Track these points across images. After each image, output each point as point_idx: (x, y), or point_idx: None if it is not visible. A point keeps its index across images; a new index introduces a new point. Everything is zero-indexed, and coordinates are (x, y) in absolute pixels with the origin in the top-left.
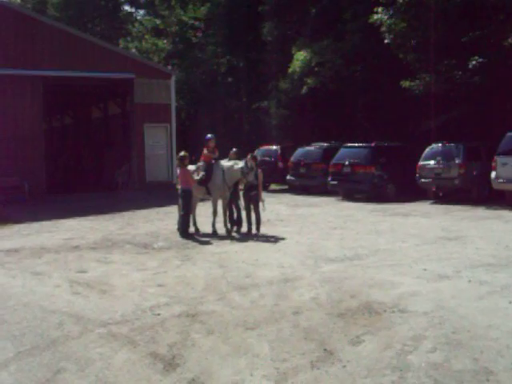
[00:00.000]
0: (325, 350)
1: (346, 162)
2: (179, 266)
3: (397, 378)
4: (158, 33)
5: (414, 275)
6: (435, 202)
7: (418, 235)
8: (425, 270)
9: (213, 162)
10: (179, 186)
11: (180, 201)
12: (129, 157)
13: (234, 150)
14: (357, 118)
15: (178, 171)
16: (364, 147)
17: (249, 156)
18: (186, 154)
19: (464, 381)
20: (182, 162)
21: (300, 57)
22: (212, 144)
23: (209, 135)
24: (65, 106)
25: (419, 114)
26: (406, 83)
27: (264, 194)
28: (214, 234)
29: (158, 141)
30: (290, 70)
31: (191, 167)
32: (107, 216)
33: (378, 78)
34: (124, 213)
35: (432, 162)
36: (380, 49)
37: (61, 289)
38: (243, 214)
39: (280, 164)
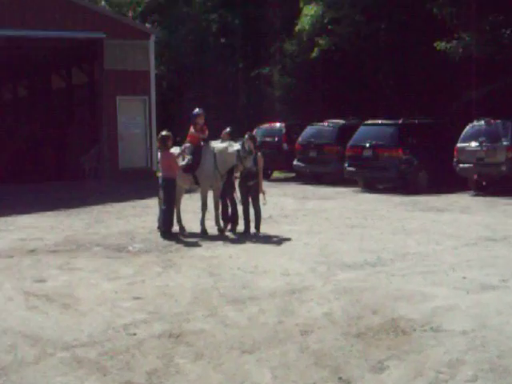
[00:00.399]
0: (340, 378)
1: (367, 144)
2: (160, 273)
3: None
4: None
5: (451, 285)
6: (477, 194)
7: (455, 235)
8: (464, 278)
9: (202, 143)
10: (160, 174)
11: (161, 192)
12: (98, 137)
13: (228, 129)
14: (380, 88)
15: (159, 155)
16: (389, 125)
17: (246, 136)
18: (169, 133)
19: None
20: (164, 144)
21: (310, 11)
22: (201, 121)
23: (197, 110)
24: (16, 75)
25: (457, 83)
26: (440, 45)
27: (265, 184)
28: (204, 234)
29: (133, 117)
30: (297, 29)
31: (175, 150)
32: (71, 211)
33: (407, 38)
34: (92, 207)
35: (473, 144)
36: (409, 1)
37: (14, 303)
38: (239, 208)
39: (285, 146)
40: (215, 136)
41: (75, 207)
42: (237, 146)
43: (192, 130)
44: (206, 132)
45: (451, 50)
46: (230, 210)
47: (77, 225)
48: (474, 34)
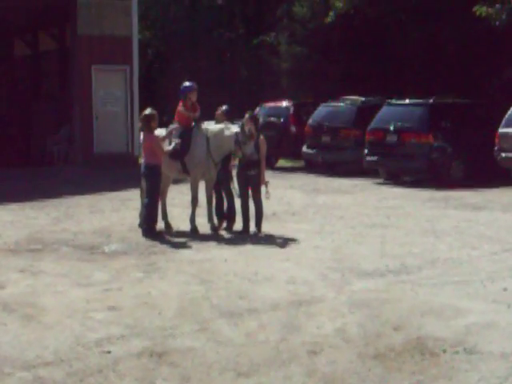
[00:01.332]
0: None
1: (391, 128)
2: (141, 279)
3: None
4: None
5: (489, 298)
6: None
7: (495, 238)
8: (505, 290)
9: (192, 124)
10: (142, 161)
11: (143, 183)
12: (69, 116)
13: (224, 107)
14: (408, 60)
15: (142, 138)
16: (418, 105)
17: (246, 116)
18: (154, 112)
19: None
20: (148, 125)
21: None
22: (193, 97)
23: (187, 83)
24: None
25: (500, 56)
26: (481, 9)
27: (268, 174)
28: (194, 233)
29: (112, 92)
30: None
31: (160, 132)
32: (36, 204)
33: (440, 0)
34: (61, 199)
35: None
36: None
37: None
38: (237, 203)
39: (293, 129)
40: (209, 116)
41: (41, 199)
42: (235, 129)
43: (181, 107)
44: (198, 110)
45: (493, 15)
46: (225, 204)
47: (42, 220)
48: None
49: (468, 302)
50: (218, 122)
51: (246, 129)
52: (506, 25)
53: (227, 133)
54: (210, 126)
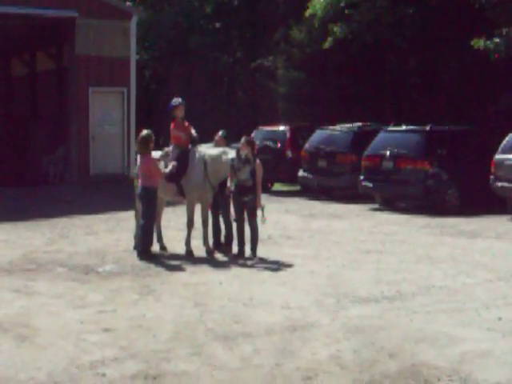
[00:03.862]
0: None
1: (388, 154)
2: (136, 302)
3: None
4: None
5: (484, 326)
6: None
7: (490, 266)
8: (500, 319)
9: (190, 147)
10: (139, 182)
11: (139, 204)
12: (65, 136)
13: (222, 132)
14: (405, 87)
15: (138, 160)
16: (414, 132)
17: (243, 140)
18: (151, 134)
19: None
20: (145, 147)
21: None
22: (179, 113)
23: (175, 100)
24: None
25: (496, 83)
26: (479, 42)
27: (264, 198)
28: (189, 256)
29: (109, 113)
30: (307, 13)
31: (157, 154)
32: (31, 224)
33: (438, 28)
34: (56, 219)
35: None
36: None
37: None
38: (233, 227)
39: (289, 153)
40: (204, 139)
41: (36, 219)
42: (232, 154)
43: (172, 128)
44: (190, 129)
45: (491, 47)
46: (222, 228)
47: (37, 240)
48: None
49: (463, 330)
50: (217, 145)
51: (242, 154)
52: (503, 57)
53: (225, 159)
54: (209, 150)
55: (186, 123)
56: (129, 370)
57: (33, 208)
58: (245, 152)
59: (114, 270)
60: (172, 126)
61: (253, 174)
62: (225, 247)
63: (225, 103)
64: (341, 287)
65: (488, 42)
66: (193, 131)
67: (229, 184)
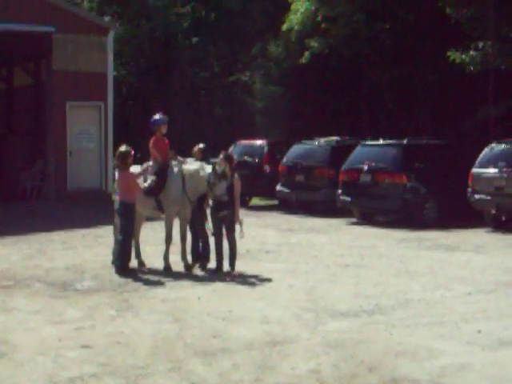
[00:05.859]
0: None
1: (365, 168)
2: (114, 317)
3: None
4: None
5: (463, 340)
6: (495, 231)
7: (469, 279)
8: (479, 331)
9: (171, 161)
10: (117, 198)
11: (117, 220)
12: (42, 151)
13: (201, 145)
14: (382, 101)
15: (117, 175)
16: (391, 146)
17: (221, 156)
18: (129, 149)
19: None
20: (123, 162)
21: (300, 8)
22: (164, 130)
23: (157, 116)
24: None
25: (472, 98)
26: (454, 55)
27: (242, 213)
28: (167, 271)
29: (86, 128)
30: (284, 28)
31: (135, 169)
32: (8, 239)
33: (414, 42)
34: (34, 235)
35: (492, 170)
36: None
37: None
38: (211, 242)
39: (267, 168)
40: (182, 154)
41: (13, 234)
42: (209, 169)
43: (151, 145)
44: (169, 151)
45: (467, 61)
46: (200, 243)
47: (14, 256)
48: (495, 44)
49: (442, 343)
50: (196, 159)
51: (218, 169)
52: (479, 70)
53: (202, 174)
54: (186, 166)
55: (167, 141)
56: None
57: (10, 223)
58: (221, 167)
59: (92, 286)
60: (151, 143)
61: (230, 188)
62: (202, 261)
63: (202, 118)
64: (320, 301)
65: (464, 56)
66: (171, 153)
67: (208, 199)
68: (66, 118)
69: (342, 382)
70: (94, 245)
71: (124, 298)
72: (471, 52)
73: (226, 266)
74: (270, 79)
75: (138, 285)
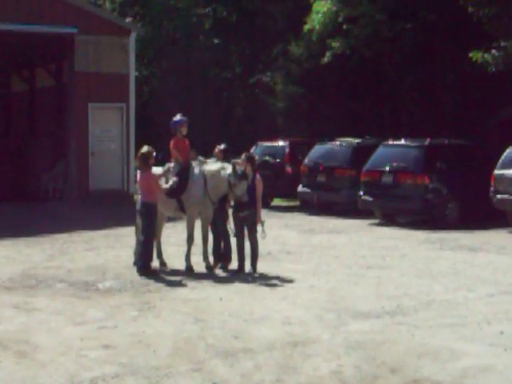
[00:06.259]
0: None
1: (387, 168)
2: (136, 318)
3: None
4: None
5: (486, 341)
6: None
7: (491, 280)
8: (501, 333)
9: (192, 162)
10: (139, 198)
11: (139, 220)
12: (64, 152)
13: (223, 146)
14: (403, 101)
15: (138, 176)
16: (413, 146)
17: (243, 156)
18: (151, 150)
19: None
20: (145, 163)
21: (321, 8)
22: (184, 130)
23: (177, 117)
24: None
25: (495, 97)
26: (477, 55)
27: (264, 214)
28: (189, 272)
29: (108, 129)
30: (305, 28)
31: (157, 170)
32: (30, 240)
33: (436, 42)
34: (56, 236)
35: None
36: None
37: None
38: (233, 242)
39: (288, 168)
40: (203, 154)
41: (35, 235)
42: (230, 170)
43: (172, 146)
44: (190, 151)
45: (489, 61)
46: (222, 243)
47: (37, 256)
48: None
49: (464, 344)
50: (217, 159)
51: (238, 169)
52: (501, 70)
53: (223, 174)
54: (208, 166)
55: (187, 142)
56: None
57: (32, 224)
58: (241, 167)
59: (113, 286)
60: (172, 144)
61: (251, 189)
62: (223, 262)
63: (224, 119)
64: (341, 302)
65: (486, 55)
66: (192, 153)
67: (230, 199)
68: (87, 119)
69: (364, 383)
70: (116, 245)
71: (146, 298)
72: (493, 51)
73: (247, 267)
74: (292, 80)
75: (160, 285)
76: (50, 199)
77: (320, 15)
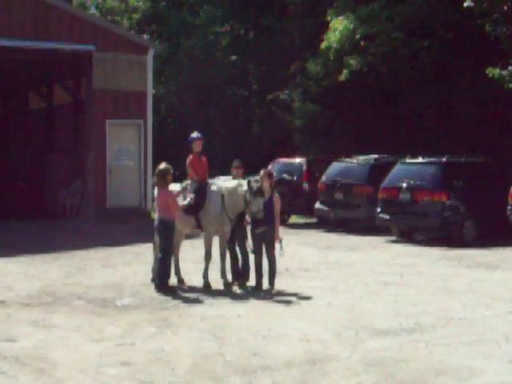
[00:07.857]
0: None
1: (404, 186)
2: (154, 335)
3: None
4: None
5: (504, 359)
6: None
7: (509, 298)
8: None
9: (208, 180)
10: (156, 215)
11: (157, 237)
12: (82, 169)
13: (238, 163)
14: (421, 119)
15: (156, 193)
16: (431, 164)
17: (262, 173)
18: (169, 167)
19: None
20: (163, 180)
21: (339, 26)
22: (196, 147)
23: (193, 134)
24: None
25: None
26: (493, 71)
27: (281, 231)
28: (207, 289)
29: (126, 146)
30: (323, 46)
31: (175, 187)
32: (48, 257)
33: (454, 60)
34: (73, 252)
35: None
36: (457, 17)
37: None
38: (251, 259)
39: (306, 185)
40: (221, 171)
41: (53, 252)
42: (245, 186)
43: (188, 164)
44: (205, 168)
45: (506, 77)
46: (239, 260)
47: (54, 273)
48: None
49: (483, 362)
50: (234, 177)
51: (254, 186)
52: None
53: (240, 191)
54: (225, 183)
55: (204, 158)
56: None
57: (50, 241)
58: (256, 184)
59: (131, 303)
60: (188, 161)
61: (268, 206)
62: (241, 279)
63: (241, 136)
64: (359, 320)
65: (503, 72)
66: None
67: (247, 216)
68: (105, 136)
69: None
70: (133, 262)
71: (164, 315)
72: (510, 68)
73: (265, 284)
74: (309, 97)
75: (178, 302)
76: (68, 216)
77: (337, 33)
